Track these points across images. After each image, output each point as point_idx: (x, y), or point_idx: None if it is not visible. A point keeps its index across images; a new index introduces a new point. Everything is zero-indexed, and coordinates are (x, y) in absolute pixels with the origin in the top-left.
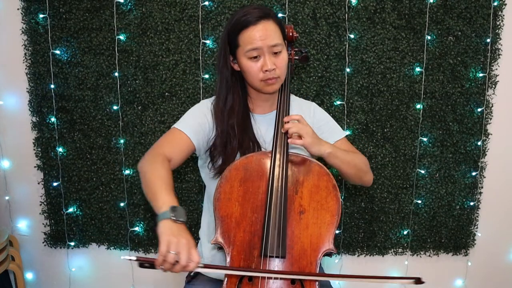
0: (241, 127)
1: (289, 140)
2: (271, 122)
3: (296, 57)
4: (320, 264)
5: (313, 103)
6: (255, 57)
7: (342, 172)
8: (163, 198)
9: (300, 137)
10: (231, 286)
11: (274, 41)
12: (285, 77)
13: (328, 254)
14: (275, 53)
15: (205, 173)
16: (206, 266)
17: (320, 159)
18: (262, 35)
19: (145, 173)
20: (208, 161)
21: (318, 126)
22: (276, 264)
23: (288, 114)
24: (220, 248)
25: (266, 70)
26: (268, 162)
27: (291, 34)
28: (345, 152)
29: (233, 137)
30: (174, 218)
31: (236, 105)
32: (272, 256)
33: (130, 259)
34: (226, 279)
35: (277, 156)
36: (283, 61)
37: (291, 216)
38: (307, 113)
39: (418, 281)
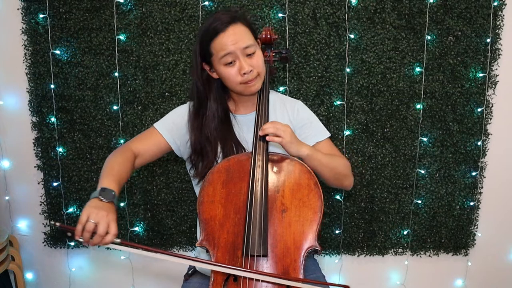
0: (220, 132)
1: (267, 138)
2: (253, 123)
3: (275, 59)
4: (317, 262)
5: (299, 101)
6: (230, 63)
7: (320, 174)
8: (102, 182)
9: (278, 136)
10: (217, 286)
11: (246, 43)
12: (264, 75)
13: (314, 251)
14: (249, 54)
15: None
16: (123, 242)
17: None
18: (233, 40)
19: (105, 161)
20: (190, 167)
21: (301, 125)
22: (260, 263)
23: (267, 114)
24: (208, 250)
25: (244, 73)
26: (249, 163)
27: (269, 36)
28: (324, 155)
29: (209, 147)
30: (100, 198)
31: (211, 113)
32: (254, 255)
33: (54, 224)
34: (212, 278)
35: (258, 156)
36: (259, 60)
37: (273, 215)
38: (290, 111)
39: None
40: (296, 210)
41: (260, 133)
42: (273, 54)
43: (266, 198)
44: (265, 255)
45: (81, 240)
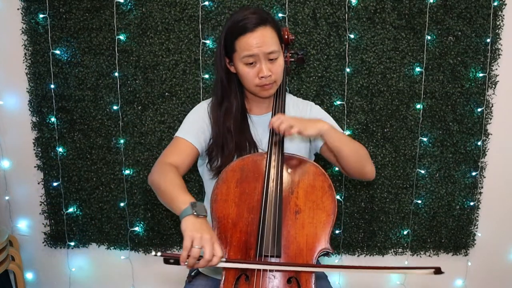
0: (238, 129)
1: (286, 132)
2: (268, 123)
3: (292, 59)
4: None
5: (311, 102)
6: (251, 63)
7: (342, 155)
8: (181, 198)
9: (291, 127)
10: (228, 285)
11: (271, 48)
12: (280, 82)
13: (325, 253)
14: (271, 59)
15: (204, 173)
16: (228, 260)
17: (320, 158)
18: (258, 42)
19: (158, 184)
20: (206, 161)
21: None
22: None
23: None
24: None
25: (262, 77)
26: (263, 163)
27: (286, 36)
28: (343, 134)
29: (230, 139)
30: (196, 214)
31: (232, 106)
32: (268, 256)
33: (155, 255)
34: (223, 278)
35: (273, 157)
36: (279, 67)
37: (287, 216)
38: (303, 111)
39: (437, 271)
40: (309, 212)
41: (269, 127)
42: (290, 55)
43: (280, 198)
44: (278, 256)
45: (185, 264)
